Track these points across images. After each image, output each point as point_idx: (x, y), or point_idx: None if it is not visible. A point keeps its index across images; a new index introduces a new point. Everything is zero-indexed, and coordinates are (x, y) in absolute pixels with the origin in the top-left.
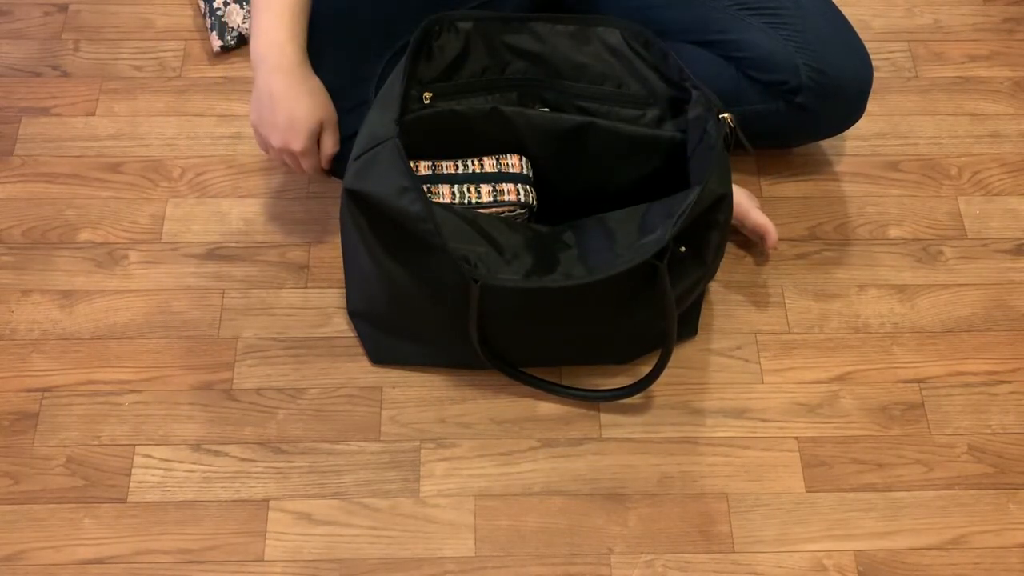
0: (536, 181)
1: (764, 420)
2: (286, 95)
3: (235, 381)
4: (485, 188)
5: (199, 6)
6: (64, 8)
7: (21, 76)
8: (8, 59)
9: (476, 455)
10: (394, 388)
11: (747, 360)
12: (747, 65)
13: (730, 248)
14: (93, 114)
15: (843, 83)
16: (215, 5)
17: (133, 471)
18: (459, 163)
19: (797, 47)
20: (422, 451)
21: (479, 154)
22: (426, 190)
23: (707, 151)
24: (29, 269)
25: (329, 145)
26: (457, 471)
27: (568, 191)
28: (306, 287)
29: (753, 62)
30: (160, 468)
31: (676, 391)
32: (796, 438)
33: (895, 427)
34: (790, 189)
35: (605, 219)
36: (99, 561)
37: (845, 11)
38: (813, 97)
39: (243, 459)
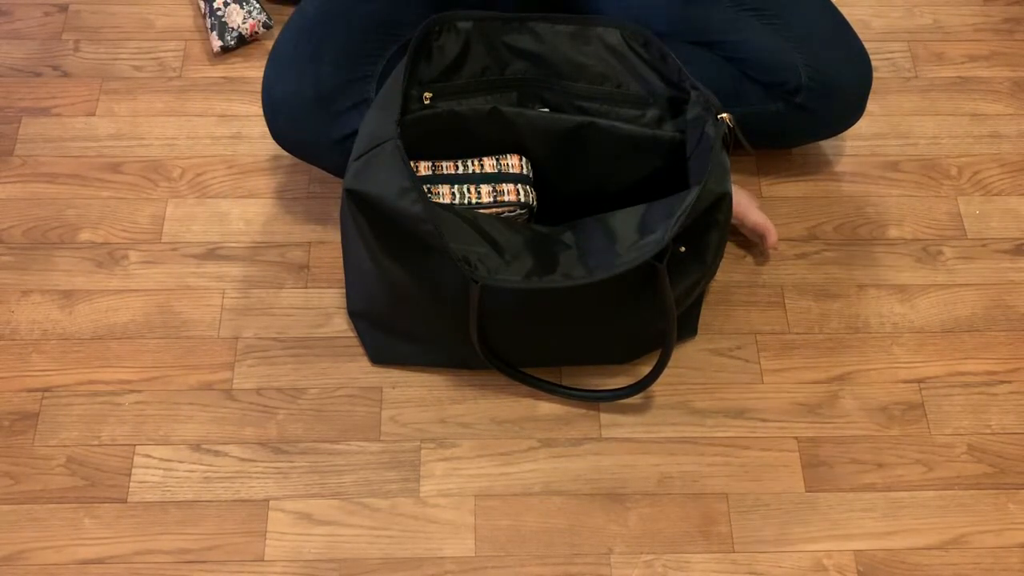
0: (536, 181)
1: (764, 420)
2: None
3: (235, 381)
4: (485, 188)
5: (199, 6)
6: (64, 8)
7: (21, 76)
8: (8, 59)
9: (476, 455)
10: (394, 388)
11: (747, 360)
12: (747, 65)
13: (730, 248)
14: (93, 114)
15: (842, 83)
16: (215, 5)
17: (133, 471)
18: (459, 163)
19: (797, 47)
20: (422, 451)
21: (479, 154)
22: (426, 190)
23: (706, 151)
24: (29, 269)
25: None
26: (457, 471)
27: (568, 191)
28: (306, 287)
29: (753, 62)
30: (160, 468)
31: (676, 391)
32: (796, 438)
33: (895, 427)
34: (790, 189)
35: (605, 219)
36: (99, 561)
37: (845, 11)
38: (813, 97)
39: (243, 459)
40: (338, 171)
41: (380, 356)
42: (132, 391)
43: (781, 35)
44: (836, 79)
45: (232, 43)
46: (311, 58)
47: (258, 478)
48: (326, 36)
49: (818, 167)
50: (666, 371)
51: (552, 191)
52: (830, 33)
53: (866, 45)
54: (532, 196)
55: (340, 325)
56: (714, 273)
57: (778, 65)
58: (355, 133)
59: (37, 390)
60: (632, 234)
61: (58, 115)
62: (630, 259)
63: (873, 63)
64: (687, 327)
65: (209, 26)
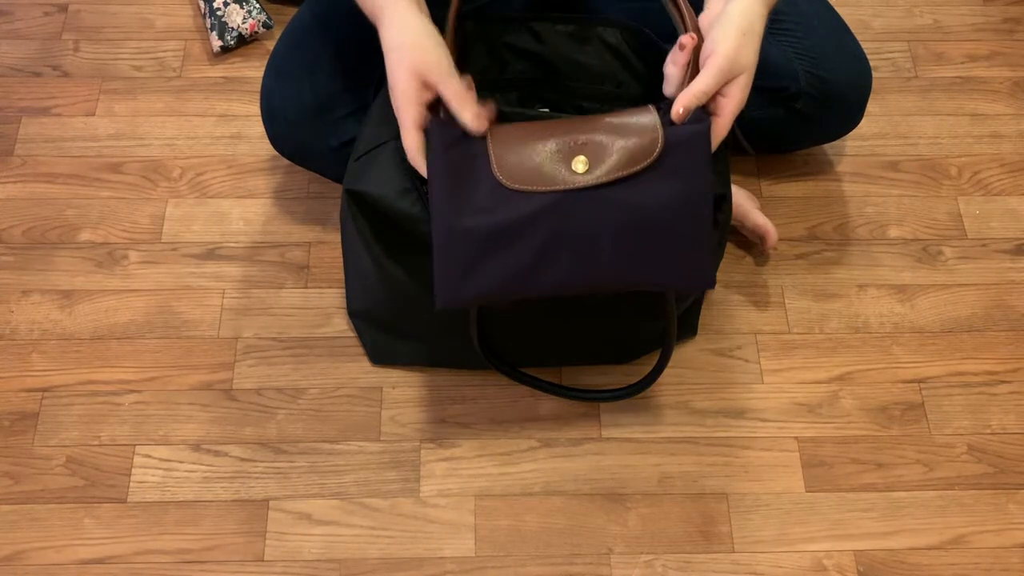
0: None
1: (764, 420)
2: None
3: (235, 381)
4: None
5: (199, 6)
6: (64, 8)
7: (21, 76)
8: (8, 59)
9: (476, 455)
10: (394, 388)
11: (747, 360)
12: None
13: (730, 248)
14: (93, 114)
15: (842, 90)
16: (215, 5)
17: (133, 471)
18: None
19: (797, 53)
20: (422, 451)
21: None
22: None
23: None
24: (29, 269)
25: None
26: (457, 471)
27: None
28: (306, 287)
29: None
30: (160, 468)
31: (676, 391)
32: (796, 438)
33: (895, 427)
34: (790, 189)
35: None
36: (99, 561)
37: (845, 11)
38: (812, 103)
39: (243, 459)
40: (337, 177)
41: (380, 356)
42: (132, 391)
43: (781, 41)
44: (836, 86)
45: (232, 43)
46: (309, 65)
47: (258, 478)
48: (324, 43)
49: (818, 167)
50: (666, 371)
51: None
52: (830, 39)
53: (866, 45)
54: None
55: (340, 325)
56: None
57: (778, 71)
58: (354, 140)
59: (37, 390)
60: None
61: (58, 115)
62: None
63: (873, 63)
64: (687, 327)
65: (209, 26)
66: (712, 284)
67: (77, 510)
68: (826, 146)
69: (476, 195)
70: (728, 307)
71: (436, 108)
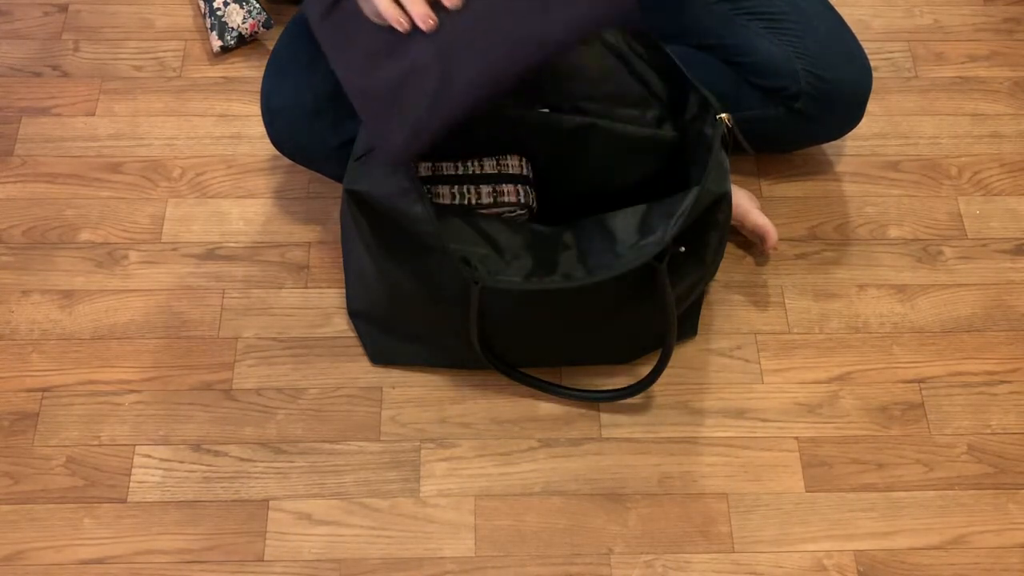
0: (536, 181)
1: (764, 420)
2: None
3: (235, 381)
4: (485, 189)
5: (199, 6)
6: (64, 8)
7: (21, 76)
8: (8, 59)
9: (476, 455)
10: (394, 388)
11: (747, 360)
12: (747, 70)
13: (730, 248)
14: (93, 114)
15: (842, 90)
16: (215, 5)
17: (133, 471)
18: (459, 164)
19: (797, 53)
20: (422, 451)
21: (479, 155)
22: (426, 191)
23: (706, 152)
24: (29, 269)
25: None
26: (457, 471)
27: (568, 191)
28: (306, 287)
29: (753, 67)
30: (160, 468)
31: (676, 391)
32: (796, 438)
33: (895, 427)
34: (790, 189)
35: (605, 220)
36: (99, 561)
37: (845, 11)
38: (812, 103)
39: (243, 459)
40: (338, 177)
41: (380, 356)
42: (132, 391)
43: (781, 41)
44: (836, 86)
45: (232, 43)
46: (309, 66)
47: (258, 478)
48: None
49: (818, 167)
50: (666, 371)
51: (552, 191)
52: (831, 39)
53: (866, 45)
54: (532, 196)
55: (340, 325)
56: (714, 273)
57: (778, 71)
58: (353, 140)
59: (37, 390)
60: (632, 234)
61: (58, 115)
62: (630, 260)
63: (873, 63)
64: (687, 327)
65: (209, 26)
66: (633, 6)
67: (77, 510)
68: (826, 146)
69: (364, 43)
70: (728, 307)
71: None
